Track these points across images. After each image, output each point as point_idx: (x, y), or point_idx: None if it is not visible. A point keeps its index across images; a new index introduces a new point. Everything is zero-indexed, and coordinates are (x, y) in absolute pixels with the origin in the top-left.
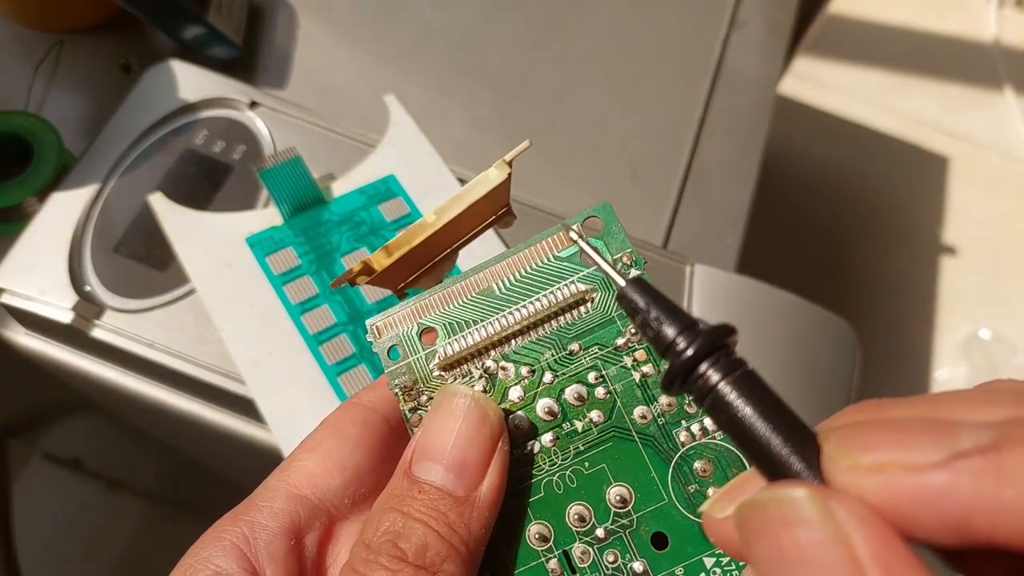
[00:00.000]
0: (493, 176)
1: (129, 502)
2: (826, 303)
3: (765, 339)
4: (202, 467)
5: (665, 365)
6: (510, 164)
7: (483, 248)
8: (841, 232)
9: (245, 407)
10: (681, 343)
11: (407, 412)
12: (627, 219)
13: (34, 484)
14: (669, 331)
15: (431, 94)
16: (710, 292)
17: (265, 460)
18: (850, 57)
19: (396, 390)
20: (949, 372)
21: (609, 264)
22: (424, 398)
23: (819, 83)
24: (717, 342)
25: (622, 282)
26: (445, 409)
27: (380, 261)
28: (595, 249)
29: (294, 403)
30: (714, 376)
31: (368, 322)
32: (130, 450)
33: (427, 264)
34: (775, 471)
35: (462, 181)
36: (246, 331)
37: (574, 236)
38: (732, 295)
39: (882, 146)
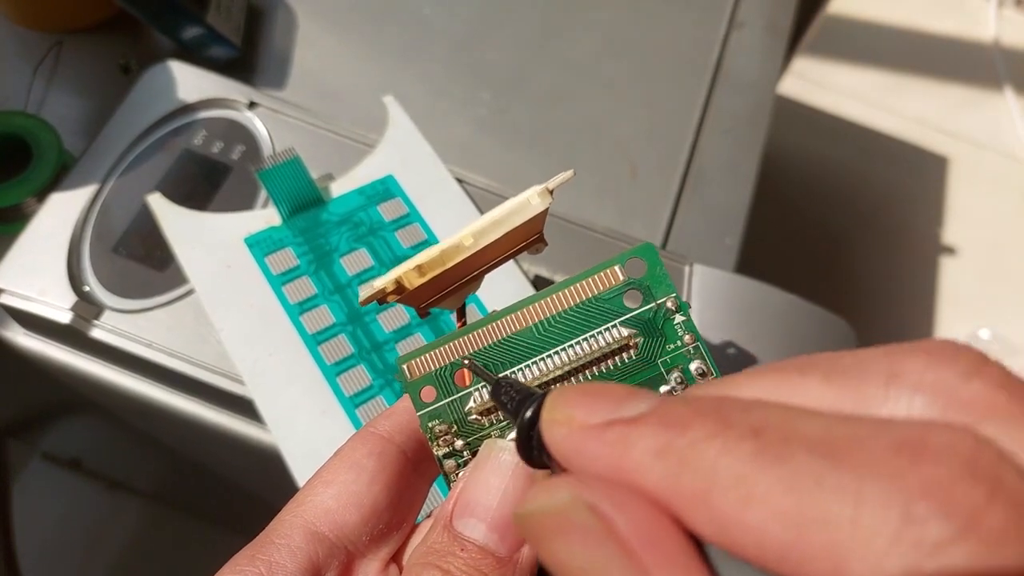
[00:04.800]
0: (535, 204)
1: (129, 502)
2: (826, 303)
3: (765, 339)
4: (202, 467)
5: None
6: (552, 193)
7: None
8: (841, 232)
9: (244, 407)
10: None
11: (440, 457)
12: (626, 219)
13: (34, 484)
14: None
15: (430, 94)
16: (709, 292)
17: (264, 460)
18: (850, 57)
19: (429, 434)
20: None
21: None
22: (459, 443)
23: (819, 83)
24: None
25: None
26: (491, 464)
27: (412, 280)
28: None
29: (293, 403)
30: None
31: (399, 360)
32: (130, 450)
33: (453, 285)
34: None
35: (461, 181)
36: (245, 331)
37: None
38: (731, 295)
39: (882, 146)
